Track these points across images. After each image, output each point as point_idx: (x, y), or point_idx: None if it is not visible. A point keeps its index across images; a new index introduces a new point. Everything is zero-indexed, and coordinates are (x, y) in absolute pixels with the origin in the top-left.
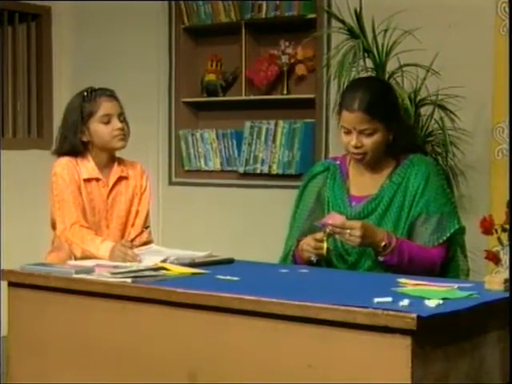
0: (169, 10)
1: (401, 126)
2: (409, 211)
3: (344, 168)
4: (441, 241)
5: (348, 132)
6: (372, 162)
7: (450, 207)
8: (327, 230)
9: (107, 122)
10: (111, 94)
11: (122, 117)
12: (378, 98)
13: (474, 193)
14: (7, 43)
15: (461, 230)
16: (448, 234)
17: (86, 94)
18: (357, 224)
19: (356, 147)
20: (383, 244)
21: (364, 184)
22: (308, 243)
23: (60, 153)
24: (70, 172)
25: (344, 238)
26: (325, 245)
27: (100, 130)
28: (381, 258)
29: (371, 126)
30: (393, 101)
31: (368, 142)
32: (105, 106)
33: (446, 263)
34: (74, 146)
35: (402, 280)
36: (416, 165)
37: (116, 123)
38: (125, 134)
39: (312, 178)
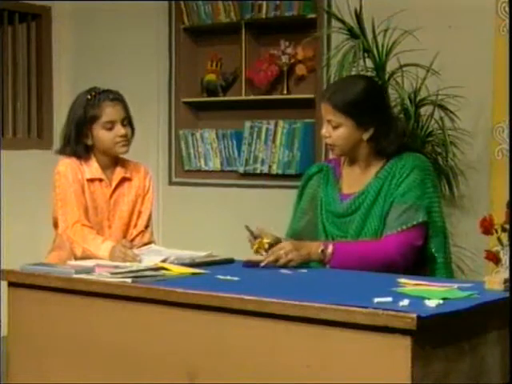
0: (169, 10)
1: (386, 129)
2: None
3: (338, 169)
4: (399, 229)
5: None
6: (352, 160)
7: (423, 201)
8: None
9: (110, 128)
10: (115, 98)
11: (125, 121)
12: (350, 94)
13: (474, 193)
14: (7, 43)
15: (427, 225)
16: (409, 225)
17: (89, 97)
18: (280, 245)
19: (325, 137)
20: (320, 249)
21: (353, 182)
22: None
23: (63, 154)
24: (73, 171)
25: (282, 262)
26: (255, 245)
27: (102, 135)
28: (327, 264)
29: (335, 119)
30: (372, 100)
31: (334, 134)
32: (108, 112)
33: (428, 264)
34: (76, 151)
35: (402, 280)
36: (404, 159)
37: (119, 129)
38: (127, 140)
39: (308, 179)
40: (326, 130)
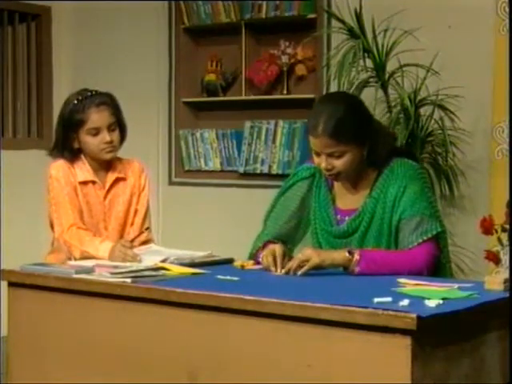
0: (169, 10)
1: (375, 138)
2: (389, 222)
3: None
4: (420, 240)
5: (318, 154)
6: (350, 177)
7: (430, 210)
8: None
9: (95, 134)
10: (101, 103)
11: (113, 126)
12: (343, 121)
13: (474, 193)
14: (7, 43)
15: (444, 234)
16: (430, 235)
17: (76, 101)
18: (302, 252)
19: (327, 170)
20: (346, 254)
21: (348, 197)
22: (267, 259)
23: (51, 156)
24: (65, 174)
25: (307, 268)
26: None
27: (88, 141)
28: (353, 271)
29: (338, 149)
30: (361, 118)
31: (338, 163)
32: (93, 119)
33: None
34: (62, 154)
35: (402, 280)
36: (395, 172)
37: (104, 136)
38: (114, 146)
39: (297, 181)
40: (326, 163)
